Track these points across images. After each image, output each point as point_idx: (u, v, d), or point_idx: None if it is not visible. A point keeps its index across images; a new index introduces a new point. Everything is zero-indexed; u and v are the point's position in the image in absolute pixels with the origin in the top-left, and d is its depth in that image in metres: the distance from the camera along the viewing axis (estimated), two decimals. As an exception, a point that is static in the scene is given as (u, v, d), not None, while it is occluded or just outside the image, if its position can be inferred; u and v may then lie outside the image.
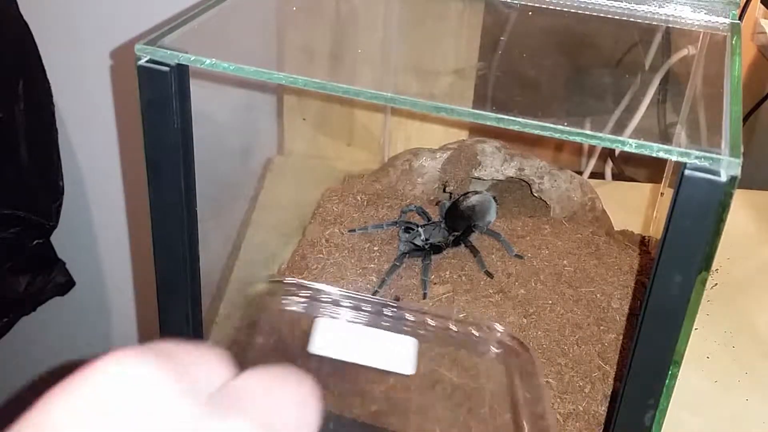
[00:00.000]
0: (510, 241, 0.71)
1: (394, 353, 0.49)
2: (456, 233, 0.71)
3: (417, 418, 0.50)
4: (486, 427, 0.50)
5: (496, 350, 0.53)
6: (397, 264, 0.66)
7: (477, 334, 0.54)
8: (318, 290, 0.56)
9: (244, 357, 0.50)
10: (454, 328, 0.54)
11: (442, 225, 0.71)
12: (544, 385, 0.52)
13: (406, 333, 0.52)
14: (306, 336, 0.50)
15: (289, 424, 0.19)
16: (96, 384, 0.17)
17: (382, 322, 0.53)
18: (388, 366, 0.49)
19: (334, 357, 0.49)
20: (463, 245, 0.70)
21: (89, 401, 0.17)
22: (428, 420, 0.50)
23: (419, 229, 0.69)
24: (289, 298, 0.56)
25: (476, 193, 0.74)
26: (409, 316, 0.54)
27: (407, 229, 0.69)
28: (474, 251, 0.69)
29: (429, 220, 0.72)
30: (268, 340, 0.53)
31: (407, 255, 0.68)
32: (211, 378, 0.19)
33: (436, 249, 0.69)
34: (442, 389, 0.52)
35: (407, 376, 0.49)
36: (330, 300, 0.55)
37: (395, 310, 0.54)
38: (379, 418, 0.50)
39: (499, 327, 0.54)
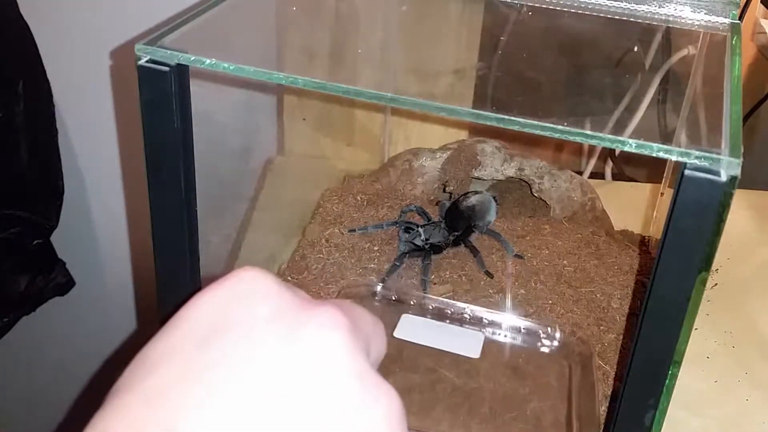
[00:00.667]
0: (510, 241, 0.71)
1: (463, 342, 0.59)
2: (456, 233, 0.71)
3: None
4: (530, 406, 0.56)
5: (557, 346, 0.61)
6: (397, 264, 0.66)
7: (542, 333, 0.62)
8: (409, 295, 0.66)
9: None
10: (524, 328, 0.62)
11: (442, 225, 0.71)
12: (595, 382, 0.58)
13: (482, 331, 0.62)
14: (393, 326, 0.60)
15: (367, 332, 0.26)
16: (237, 283, 0.25)
17: (463, 322, 0.63)
18: (457, 350, 0.58)
19: (414, 342, 0.59)
20: (463, 245, 0.70)
21: (233, 293, 0.24)
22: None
23: (419, 229, 0.69)
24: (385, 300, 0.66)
25: (476, 193, 0.73)
26: (485, 317, 0.63)
27: (407, 229, 0.69)
28: (474, 251, 0.69)
29: (429, 220, 0.72)
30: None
31: (407, 255, 0.68)
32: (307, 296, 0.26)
33: (436, 249, 0.69)
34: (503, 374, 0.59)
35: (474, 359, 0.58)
36: (417, 303, 0.65)
37: (473, 311, 0.63)
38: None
39: (559, 329, 0.62)
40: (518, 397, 0.56)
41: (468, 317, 0.62)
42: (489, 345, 0.60)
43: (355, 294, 0.65)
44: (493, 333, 0.61)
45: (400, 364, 0.59)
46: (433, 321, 0.62)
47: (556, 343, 0.61)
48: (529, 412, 0.55)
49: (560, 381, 0.58)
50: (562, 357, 0.60)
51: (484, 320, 0.62)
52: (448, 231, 0.71)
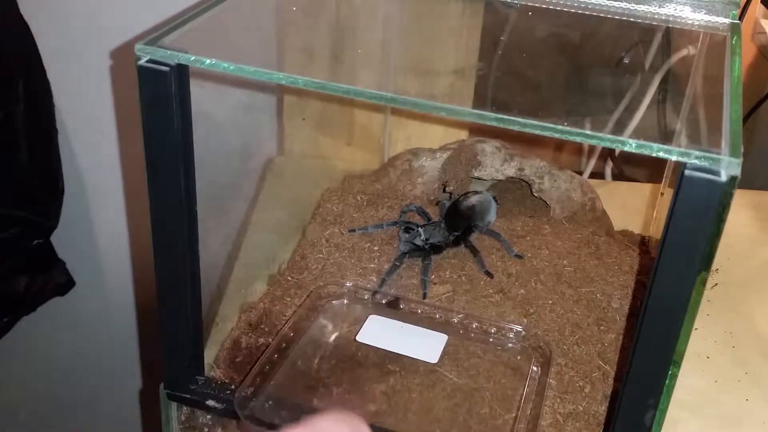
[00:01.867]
0: (510, 241, 0.71)
1: (425, 345, 0.59)
2: (456, 233, 0.71)
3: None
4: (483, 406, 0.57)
5: (519, 350, 0.61)
6: (397, 264, 0.66)
7: (511, 336, 0.61)
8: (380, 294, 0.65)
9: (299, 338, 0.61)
10: (493, 330, 0.62)
11: (442, 225, 0.71)
12: (545, 386, 0.57)
13: (450, 333, 0.61)
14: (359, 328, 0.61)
15: None
16: None
17: (434, 323, 0.62)
18: (416, 356, 0.58)
19: (374, 345, 0.59)
20: (463, 245, 0.70)
21: None
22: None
23: (419, 229, 0.69)
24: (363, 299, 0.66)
25: (476, 193, 0.74)
26: (455, 319, 0.63)
27: (407, 229, 0.69)
28: (474, 251, 0.69)
29: (429, 220, 0.72)
30: (326, 327, 0.64)
31: (407, 255, 0.68)
32: None
33: (436, 249, 0.69)
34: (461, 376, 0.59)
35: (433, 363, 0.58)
36: (389, 302, 0.65)
37: (444, 313, 0.63)
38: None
39: (518, 327, 0.61)
40: (470, 398, 0.56)
41: (437, 317, 0.63)
42: (452, 346, 0.60)
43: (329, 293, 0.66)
44: (459, 333, 0.62)
45: (362, 362, 0.59)
46: (398, 322, 0.62)
47: (518, 345, 0.61)
48: (476, 413, 0.55)
49: (513, 383, 0.58)
50: (523, 359, 0.60)
51: (452, 320, 0.62)
52: (448, 231, 0.71)
